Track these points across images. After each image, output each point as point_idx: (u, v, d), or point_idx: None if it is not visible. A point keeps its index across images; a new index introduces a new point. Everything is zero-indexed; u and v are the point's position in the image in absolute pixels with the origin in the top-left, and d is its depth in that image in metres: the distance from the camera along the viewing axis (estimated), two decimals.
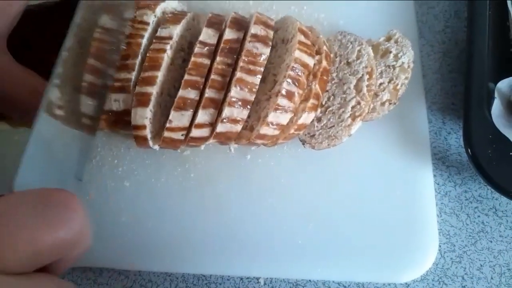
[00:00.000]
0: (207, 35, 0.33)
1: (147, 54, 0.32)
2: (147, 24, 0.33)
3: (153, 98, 0.31)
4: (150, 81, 0.31)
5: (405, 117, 0.36)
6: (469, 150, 0.33)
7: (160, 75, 0.32)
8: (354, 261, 0.34)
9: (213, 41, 0.33)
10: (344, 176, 0.36)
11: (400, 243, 0.34)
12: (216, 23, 0.34)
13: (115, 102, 0.32)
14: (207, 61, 0.32)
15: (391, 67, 0.34)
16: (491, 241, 0.36)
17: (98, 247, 0.34)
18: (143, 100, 0.31)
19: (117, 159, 0.37)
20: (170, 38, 0.33)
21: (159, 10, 0.34)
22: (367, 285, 0.35)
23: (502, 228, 0.36)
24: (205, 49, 0.33)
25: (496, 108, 0.33)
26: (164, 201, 0.36)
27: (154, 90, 0.31)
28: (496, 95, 0.34)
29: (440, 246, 0.35)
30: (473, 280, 0.35)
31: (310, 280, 0.35)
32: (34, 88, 0.31)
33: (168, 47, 0.32)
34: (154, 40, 0.33)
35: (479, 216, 0.37)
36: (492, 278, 0.35)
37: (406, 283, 0.35)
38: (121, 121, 0.33)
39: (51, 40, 0.32)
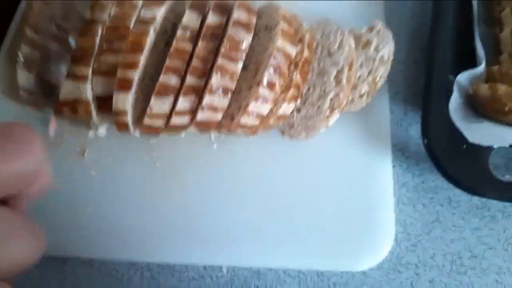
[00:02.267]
0: (190, 18, 0.32)
1: (129, 38, 0.31)
2: (135, 6, 0.32)
3: (135, 83, 0.30)
4: (132, 65, 0.30)
5: (367, 106, 0.36)
6: (425, 141, 0.34)
7: (142, 59, 0.30)
8: (313, 250, 0.35)
9: (196, 25, 0.32)
10: (305, 166, 0.36)
11: (358, 233, 0.35)
12: (200, 7, 0.33)
13: (102, 86, 0.31)
14: (189, 46, 0.32)
15: (371, 59, 0.34)
16: (444, 231, 0.38)
17: (63, 237, 0.34)
18: (125, 85, 0.30)
19: (85, 147, 0.36)
20: (153, 20, 0.31)
21: None
22: (326, 273, 0.36)
23: (455, 218, 0.38)
24: (188, 33, 0.32)
25: (454, 101, 0.34)
26: (130, 190, 0.36)
27: (136, 75, 0.30)
28: (455, 88, 0.34)
29: (396, 235, 0.36)
30: (426, 268, 0.37)
31: (271, 269, 0.36)
32: None
33: (151, 30, 0.31)
34: (137, 23, 0.31)
35: (434, 206, 0.38)
36: (443, 266, 0.37)
37: (363, 271, 0.36)
38: (106, 106, 0.31)
39: None
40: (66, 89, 0.31)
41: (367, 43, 0.34)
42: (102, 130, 0.35)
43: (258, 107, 0.31)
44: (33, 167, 0.21)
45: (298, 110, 0.33)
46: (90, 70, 0.30)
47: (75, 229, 0.35)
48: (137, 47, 0.31)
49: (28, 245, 0.20)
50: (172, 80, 0.30)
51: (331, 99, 0.32)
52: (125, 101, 0.30)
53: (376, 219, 0.35)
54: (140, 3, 0.32)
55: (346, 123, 0.36)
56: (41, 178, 0.22)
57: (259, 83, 0.30)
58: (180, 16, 0.33)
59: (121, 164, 0.36)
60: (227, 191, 0.35)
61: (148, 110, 0.31)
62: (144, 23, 0.31)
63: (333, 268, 0.35)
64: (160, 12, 0.32)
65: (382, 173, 0.36)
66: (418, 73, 0.40)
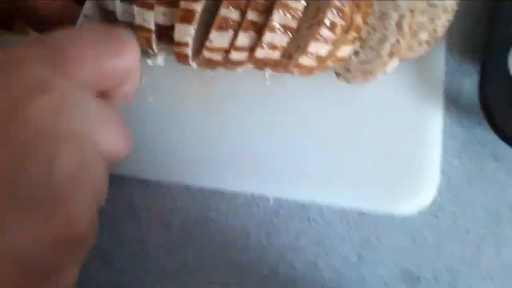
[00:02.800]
0: None
1: None
2: None
3: (197, 16, 0.30)
4: None
5: (423, 54, 0.36)
6: (482, 96, 0.35)
7: None
8: (357, 190, 0.37)
9: None
10: (356, 108, 0.37)
11: (403, 177, 0.37)
12: None
13: (163, 15, 0.32)
14: None
15: (433, 6, 0.33)
16: (486, 184, 0.39)
17: None
18: (187, 17, 0.31)
19: (142, 75, 0.37)
20: None
21: None
22: (367, 213, 0.38)
23: (498, 173, 0.39)
24: None
25: None
26: (186, 117, 0.38)
27: (199, 7, 0.30)
28: None
29: (439, 184, 0.38)
30: (465, 218, 0.38)
31: (315, 203, 0.38)
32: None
33: None
34: None
35: (479, 160, 0.39)
36: (481, 218, 0.38)
37: (403, 216, 0.38)
38: (165, 36, 0.32)
39: None
40: (128, 14, 0.32)
41: None
42: (160, 60, 0.37)
43: (317, 47, 0.31)
44: (128, 65, 0.24)
45: (357, 53, 0.33)
46: None
47: (132, 150, 0.38)
48: None
49: (118, 137, 0.23)
50: (232, 14, 0.31)
51: (391, 45, 0.32)
52: (187, 33, 0.31)
53: (421, 166, 0.37)
54: None
55: (400, 69, 0.36)
56: (132, 79, 0.25)
57: (320, 23, 0.31)
58: None
59: (177, 92, 0.38)
60: (278, 127, 0.37)
61: (207, 43, 0.32)
62: None
63: (375, 209, 0.37)
64: None
65: (432, 122, 0.37)
66: (476, 25, 0.39)
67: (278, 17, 0.31)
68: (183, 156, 0.38)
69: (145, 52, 0.36)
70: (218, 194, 0.38)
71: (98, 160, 0.22)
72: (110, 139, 0.22)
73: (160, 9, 0.32)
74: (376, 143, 0.37)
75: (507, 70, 0.34)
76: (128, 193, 0.38)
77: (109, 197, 0.38)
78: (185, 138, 0.38)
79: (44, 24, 0.32)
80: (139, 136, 0.37)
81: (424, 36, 0.33)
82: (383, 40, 0.32)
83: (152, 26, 0.32)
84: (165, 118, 0.38)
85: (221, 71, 0.37)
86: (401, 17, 0.32)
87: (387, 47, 0.32)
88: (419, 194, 0.37)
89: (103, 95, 0.25)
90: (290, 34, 0.31)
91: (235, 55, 0.32)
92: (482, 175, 0.39)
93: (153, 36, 0.33)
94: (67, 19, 0.31)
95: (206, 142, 0.38)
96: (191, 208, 0.38)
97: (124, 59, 0.23)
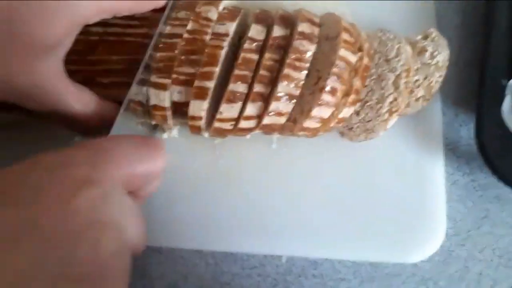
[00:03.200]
0: (256, 31, 0.34)
1: (206, 50, 0.34)
2: (212, 20, 0.35)
3: (210, 92, 0.33)
4: (209, 76, 0.33)
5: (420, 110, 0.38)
6: (479, 143, 0.37)
7: (217, 70, 0.33)
8: (368, 242, 0.38)
9: (261, 37, 0.35)
10: (360, 164, 0.39)
11: (411, 226, 0.38)
12: (264, 19, 0.35)
13: (178, 93, 0.34)
14: (255, 56, 0.34)
15: (426, 65, 0.35)
16: (493, 227, 0.40)
17: None
18: (201, 94, 0.33)
19: None
20: (227, 35, 0.34)
21: (221, 6, 0.36)
22: (379, 264, 0.39)
23: (504, 215, 0.40)
24: (254, 44, 0.34)
25: (507, 105, 0.36)
26: (195, 184, 0.39)
27: (211, 85, 0.33)
28: (508, 91, 0.36)
29: (447, 230, 0.39)
30: (475, 262, 0.39)
31: (327, 259, 0.39)
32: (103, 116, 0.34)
33: (225, 44, 0.34)
34: (212, 36, 0.34)
35: (483, 203, 0.40)
36: (492, 260, 0.39)
37: (414, 263, 0.38)
38: (180, 111, 0.35)
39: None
40: (142, 94, 0.34)
41: (422, 50, 0.36)
42: (175, 132, 0.39)
43: (321, 111, 0.33)
44: (157, 169, 0.28)
45: (357, 113, 0.35)
46: (170, 80, 0.34)
47: (144, 220, 0.38)
48: (213, 60, 0.33)
49: (140, 231, 0.26)
50: (240, 87, 0.33)
51: (389, 103, 0.34)
52: (201, 108, 0.34)
53: (428, 214, 0.38)
54: (214, 17, 0.35)
55: (400, 123, 0.38)
56: (158, 180, 0.29)
57: (322, 89, 0.32)
58: (243, 28, 0.36)
59: (187, 160, 0.39)
60: (286, 187, 0.38)
61: (218, 115, 0.34)
62: (219, 37, 0.34)
63: (387, 260, 0.38)
64: (232, 27, 0.35)
65: (435, 171, 0.39)
66: (468, 76, 0.42)
67: (282, 87, 0.33)
68: (194, 221, 0.38)
69: (161, 127, 0.38)
70: (230, 257, 0.39)
71: (127, 247, 0.25)
72: (135, 232, 0.25)
73: (175, 88, 0.34)
74: (383, 196, 0.38)
75: (500, 118, 0.36)
76: (141, 262, 0.39)
77: None
78: (196, 204, 0.39)
79: (80, 126, 0.35)
80: (150, 205, 0.38)
81: (420, 92, 0.35)
82: (381, 99, 0.34)
83: (168, 104, 0.34)
84: (176, 186, 0.39)
85: (228, 139, 0.39)
86: (398, 77, 0.34)
87: (386, 106, 0.34)
88: (428, 242, 0.38)
89: (132, 192, 0.28)
90: (294, 101, 0.33)
91: (244, 124, 0.34)
92: (488, 218, 0.40)
93: (168, 113, 0.34)
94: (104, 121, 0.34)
95: (216, 207, 0.39)
96: (205, 272, 0.39)
97: (154, 164, 0.27)
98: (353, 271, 0.39)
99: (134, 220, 0.26)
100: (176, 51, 0.33)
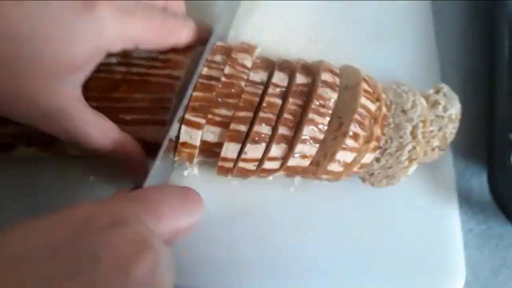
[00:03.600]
0: (279, 78, 0.37)
1: (242, 96, 0.35)
2: (248, 68, 0.37)
3: (244, 135, 0.34)
4: (245, 121, 0.35)
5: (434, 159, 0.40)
6: (494, 194, 0.38)
7: (252, 115, 0.35)
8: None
9: (284, 83, 0.37)
10: (377, 211, 0.40)
11: (430, 275, 0.38)
12: (286, 68, 0.38)
13: (212, 133, 0.35)
14: (279, 101, 0.36)
15: (440, 117, 0.38)
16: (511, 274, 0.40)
17: None
18: (236, 137, 0.35)
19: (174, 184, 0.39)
20: (262, 84, 0.36)
21: (255, 55, 0.38)
22: None
23: None
24: (277, 90, 0.36)
25: None
26: (214, 225, 0.39)
27: (246, 129, 0.35)
28: None
29: (466, 276, 0.39)
30: None
31: None
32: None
33: (260, 91, 0.36)
34: (248, 83, 0.36)
35: (500, 251, 0.41)
36: None
37: None
38: (210, 151, 0.36)
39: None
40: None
41: (435, 103, 0.38)
42: (196, 170, 0.39)
43: (344, 155, 0.34)
44: (196, 221, 0.29)
45: (378, 159, 0.36)
46: (205, 120, 0.35)
47: None
48: (250, 106, 0.35)
49: (172, 277, 0.25)
50: (264, 129, 0.35)
51: (409, 151, 0.35)
52: (235, 150, 0.35)
53: (446, 261, 0.38)
54: (249, 65, 0.37)
55: (415, 173, 0.39)
56: (190, 231, 0.29)
57: (345, 134, 0.34)
58: (269, 74, 0.38)
59: (206, 201, 0.39)
60: (305, 229, 0.39)
61: (243, 155, 0.34)
62: (254, 84, 0.36)
63: None
64: (265, 77, 0.37)
65: (450, 220, 0.40)
66: (475, 130, 0.44)
67: (307, 131, 0.34)
68: (211, 263, 0.38)
69: (182, 164, 0.38)
70: None
71: None
72: (170, 283, 0.25)
73: (209, 128, 0.35)
74: (400, 244, 0.39)
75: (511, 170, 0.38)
76: None
77: None
78: (213, 245, 0.38)
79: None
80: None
81: (436, 142, 0.37)
82: (400, 147, 0.36)
83: (198, 143, 0.35)
84: (195, 230, 0.39)
85: (244, 180, 0.39)
86: (415, 127, 0.36)
87: (405, 154, 0.35)
88: (449, 286, 0.38)
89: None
90: (318, 145, 0.34)
91: (268, 165, 0.35)
92: (506, 264, 0.41)
93: (196, 152, 0.35)
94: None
95: (234, 251, 0.38)
96: None
97: (195, 217, 0.28)
98: None
99: (172, 270, 0.25)
100: (214, 93, 0.35)
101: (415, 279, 0.38)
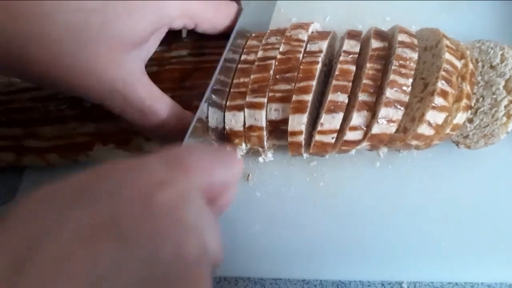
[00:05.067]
0: (349, 45, 0.35)
1: (301, 67, 0.34)
2: (303, 41, 0.36)
3: (308, 106, 0.33)
4: (306, 90, 0.33)
5: None
6: None
7: (314, 84, 0.33)
8: (503, 263, 0.34)
9: (356, 50, 0.35)
10: (478, 178, 0.36)
11: None
12: (355, 35, 0.36)
13: (275, 111, 0.34)
14: (352, 67, 0.34)
15: None
16: None
17: (232, 257, 0.34)
18: (300, 108, 0.33)
19: (248, 172, 0.39)
20: (320, 52, 0.35)
21: (310, 29, 0.37)
22: (493, 285, 0.34)
23: None
24: (349, 57, 0.35)
25: None
26: (296, 209, 0.37)
27: (309, 98, 0.33)
28: None
29: None
30: None
31: (457, 283, 0.34)
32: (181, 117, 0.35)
33: (319, 59, 0.35)
34: (305, 55, 0.35)
35: None
36: None
37: None
38: (277, 130, 0.35)
39: None
40: (237, 119, 0.35)
41: None
42: (270, 155, 0.37)
43: (434, 115, 0.31)
44: (234, 177, 0.26)
45: (470, 120, 0.34)
46: (266, 99, 0.34)
47: (243, 249, 0.35)
48: (309, 75, 0.34)
49: (218, 245, 0.23)
50: (340, 97, 0.33)
51: (505, 106, 0.32)
52: (301, 122, 0.33)
53: None
54: (305, 38, 0.36)
55: None
56: (231, 191, 0.26)
57: (433, 93, 0.32)
58: (332, 51, 0.38)
59: (284, 185, 0.38)
60: (396, 207, 0.36)
61: (319, 127, 0.33)
62: (312, 54, 0.35)
63: (502, 280, 0.34)
64: (324, 45, 0.35)
65: None
66: None
67: (390, 93, 0.32)
68: (297, 249, 0.35)
69: (256, 151, 0.37)
70: (340, 286, 0.35)
71: (209, 256, 0.22)
72: (213, 242, 0.23)
73: (272, 106, 0.34)
74: (500, 213, 0.35)
75: None
76: None
77: None
78: (296, 230, 0.36)
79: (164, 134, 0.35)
80: (248, 234, 0.36)
81: None
82: (495, 104, 0.33)
83: (264, 124, 0.34)
84: (274, 212, 0.37)
85: (323, 162, 0.37)
86: (508, 81, 0.33)
87: (502, 109, 0.32)
88: None
89: (209, 201, 0.26)
90: (403, 109, 0.32)
91: (350, 135, 0.33)
92: None
93: (265, 133, 0.34)
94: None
95: (320, 232, 0.36)
96: None
97: (232, 172, 0.26)
98: None
99: (213, 231, 0.23)
100: (271, 72, 0.34)
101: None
